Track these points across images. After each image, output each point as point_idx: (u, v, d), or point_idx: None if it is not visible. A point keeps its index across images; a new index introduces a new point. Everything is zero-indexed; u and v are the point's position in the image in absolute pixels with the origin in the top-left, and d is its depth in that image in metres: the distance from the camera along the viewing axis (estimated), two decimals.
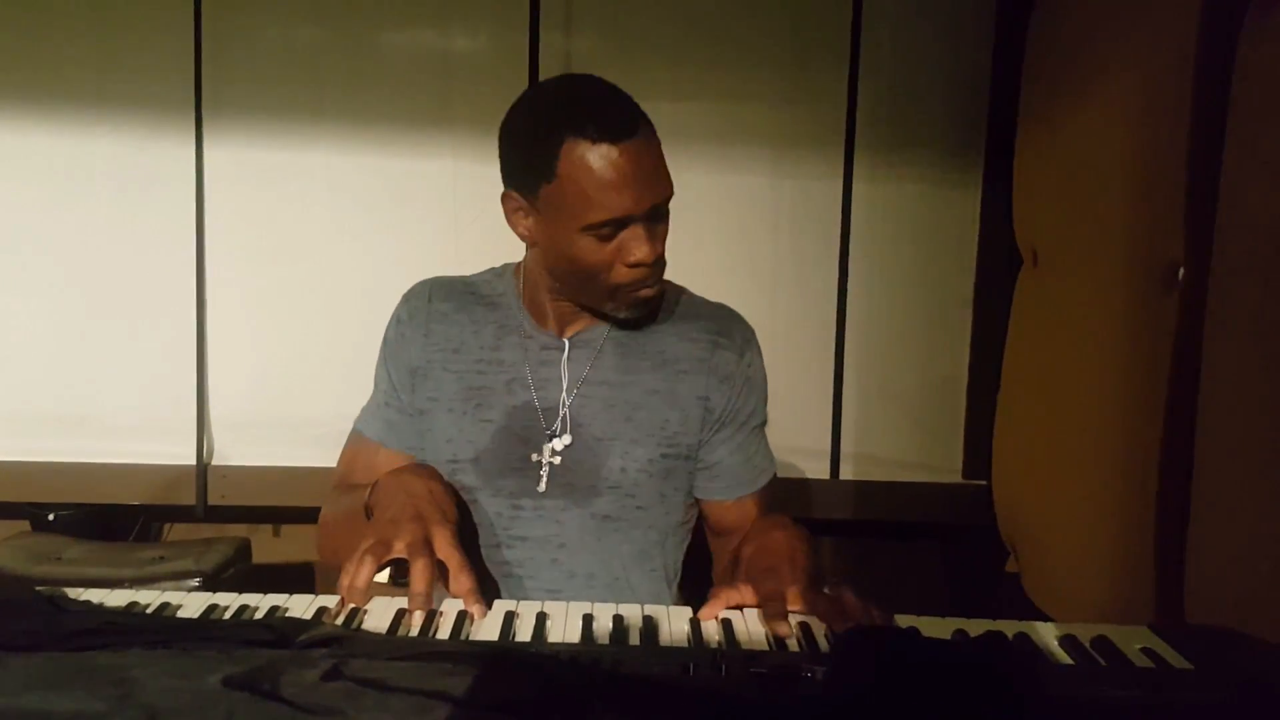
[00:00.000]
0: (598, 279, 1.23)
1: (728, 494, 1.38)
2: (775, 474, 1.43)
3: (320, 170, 2.41)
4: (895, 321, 2.48)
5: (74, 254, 2.40)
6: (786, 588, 1.06)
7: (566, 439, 1.32)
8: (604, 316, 1.33)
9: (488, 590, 1.08)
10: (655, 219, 1.21)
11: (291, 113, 2.39)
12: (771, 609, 1.03)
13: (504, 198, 1.26)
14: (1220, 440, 1.39)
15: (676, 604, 1.27)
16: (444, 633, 0.98)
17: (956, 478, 2.51)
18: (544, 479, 1.31)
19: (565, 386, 1.33)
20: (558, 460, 1.31)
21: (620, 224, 1.18)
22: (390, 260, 2.42)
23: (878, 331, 2.48)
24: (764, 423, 1.42)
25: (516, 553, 1.32)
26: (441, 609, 1.03)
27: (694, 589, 1.43)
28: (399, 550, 1.07)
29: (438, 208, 2.41)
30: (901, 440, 2.52)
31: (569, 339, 1.34)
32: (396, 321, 1.40)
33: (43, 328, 2.42)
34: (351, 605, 1.02)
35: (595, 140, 1.14)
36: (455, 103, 2.40)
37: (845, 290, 2.45)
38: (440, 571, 1.07)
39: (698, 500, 1.41)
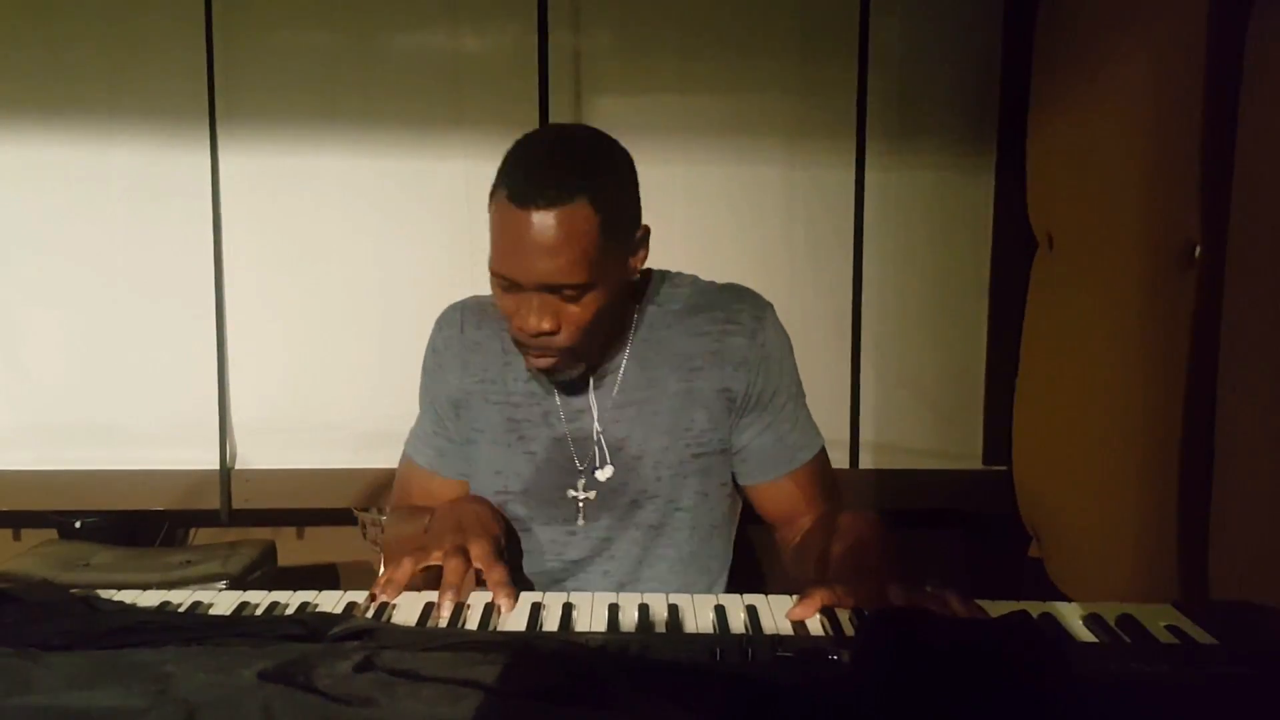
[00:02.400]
0: (509, 325, 1.23)
1: (761, 476, 1.36)
2: (824, 449, 1.39)
3: (334, 174, 2.42)
4: (911, 309, 2.48)
5: (92, 264, 2.43)
6: (887, 588, 1.01)
7: (608, 470, 1.31)
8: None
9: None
10: (555, 297, 1.16)
11: (304, 118, 2.40)
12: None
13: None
14: (1241, 418, 1.39)
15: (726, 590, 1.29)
16: (472, 624, 0.99)
17: (977, 464, 2.50)
18: (581, 514, 1.32)
19: (596, 416, 1.32)
20: (593, 494, 1.32)
21: (510, 284, 1.17)
22: (406, 261, 2.43)
23: (894, 320, 2.48)
24: (795, 397, 1.37)
25: (571, 574, 1.35)
26: (469, 602, 1.04)
27: (737, 578, 1.44)
28: (436, 557, 1.10)
29: (452, 208, 2.42)
30: (920, 428, 2.51)
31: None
32: (433, 351, 1.40)
33: (63, 338, 2.45)
34: (381, 600, 1.04)
35: (507, 199, 1.13)
36: (466, 103, 2.41)
37: (860, 279, 2.45)
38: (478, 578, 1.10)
39: (740, 488, 1.40)
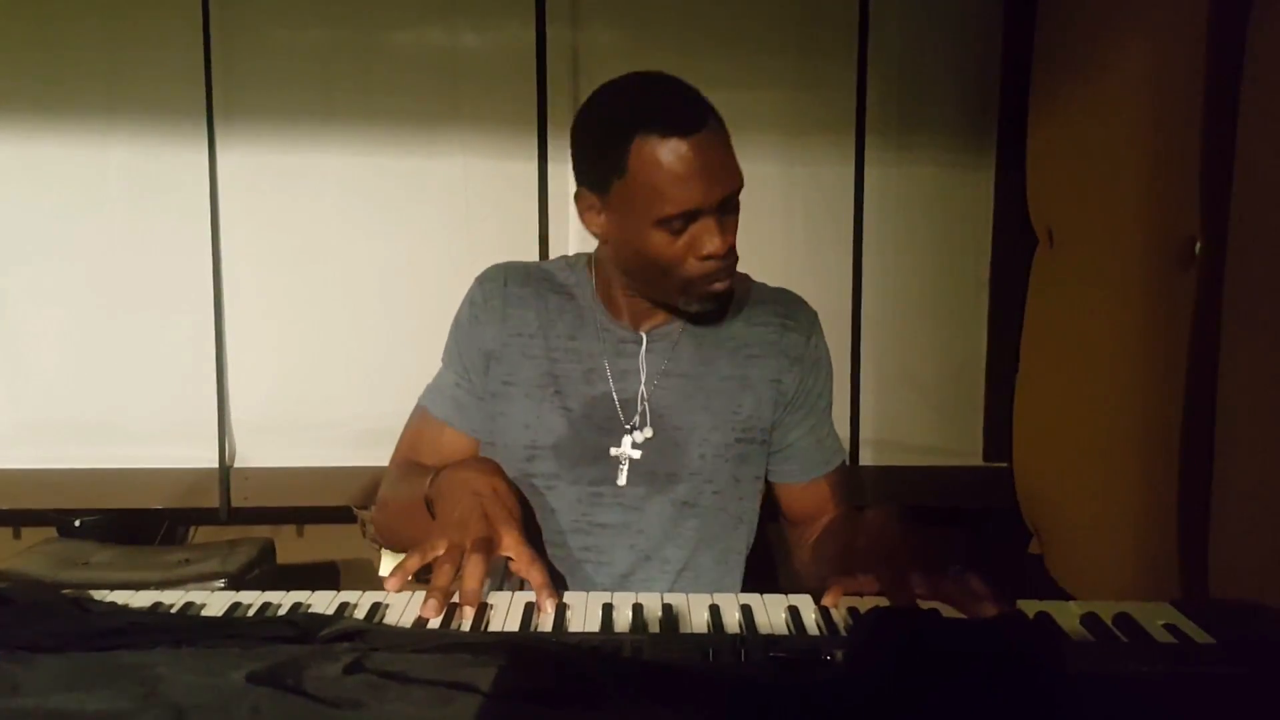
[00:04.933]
0: (670, 274, 1.23)
1: (802, 475, 1.40)
2: (845, 458, 1.44)
3: (332, 171, 2.42)
4: (911, 306, 2.47)
5: (91, 262, 2.42)
6: (910, 575, 1.04)
7: (648, 432, 1.32)
8: (678, 311, 1.33)
9: (555, 583, 1.08)
10: (726, 211, 1.21)
11: (302, 115, 2.40)
12: (897, 596, 1.02)
13: (576, 196, 1.28)
14: (1241, 414, 1.39)
15: (742, 590, 1.29)
16: (465, 624, 0.98)
17: (977, 461, 2.50)
18: (624, 472, 1.32)
19: (644, 379, 1.34)
20: (638, 454, 1.32)
21: (691, 217, 1.18)
22: (404, 258, 2.43)
23: (894, 317, 2.47)
24: (830, 406, 1.43)
25: (594, 538, 1.33)
26: (492, 602, 1.04)
27: (751, 578, 1.43)
28: (455, 551, 1.08)
29: (450, 205, 2.42)
30: (921, 425, 2.51)
31: (646, 333, 1.35)
32: (470, 304, 1.40)
33: (62, 336, 2.45)
34: (389, 588, 1.04)
35: (664, 135, 1.15)
36: (464, 100, 2.41)
37: (860, 276, 2.44)
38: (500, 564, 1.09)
39: (771, 485, 1.42)
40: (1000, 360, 2.42)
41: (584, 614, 1.00)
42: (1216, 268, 1.45)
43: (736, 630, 0.97)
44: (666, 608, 1.01)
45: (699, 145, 1.16)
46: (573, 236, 2.40)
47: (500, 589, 1.11)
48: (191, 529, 2.59)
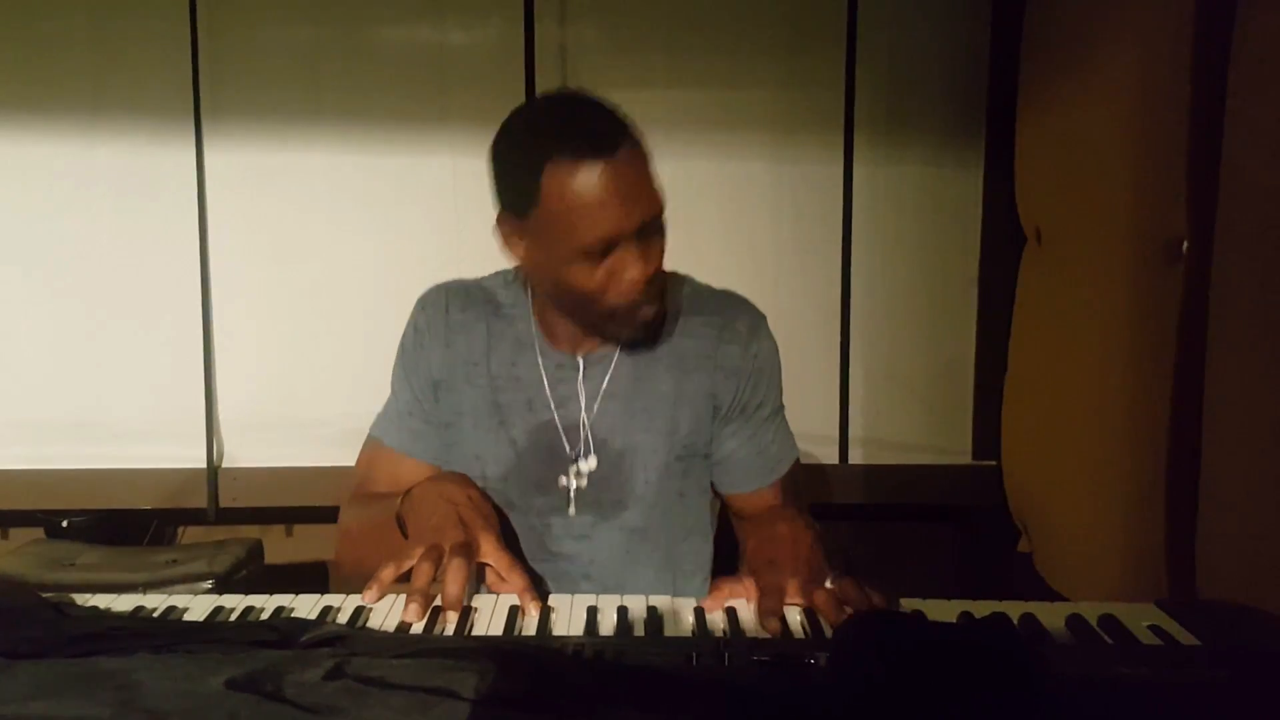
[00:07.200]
0: (594, 303, 1.17)
1: (743, 486, 1.36)
2: (798, 458, 1.40)
3: (320, 170, 2.41)
4: (900, 304, 2.47)
5: (79, 262, 2.41)
6: (786, 581, 1.03)
7: (592, 461, 1.29)
8: (610, 337, 1.28)
9: (539, 589, 1.08)
10: (646, 236, 1.15)
11: (289, 114, 2.39)
12: (767, 603, 1.01)
13: (497, 221, 1.22)
14: (1228, 412, 1.39)
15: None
16: (448, 629, 0.98)
17: (966, 459, 2.50)
18: (572, 502, 1.30)
19: (584, 405, 1.30)
20: (584, 483, 1.29)
21: (609, 245, 1.12)
22: (392, 258, 2.42)
23: (883, 315, 2.47)
24: (778, 410, 1.38)
25: (549, 568, 1.31)
26: (476, 605, 1.03)
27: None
28: (434, 554, 1.06)
29: (438, 204, 2.41)
30: (910, 423, 2.51)
31: (583, 357, 1.30)
32: (414, 330, 1.36)
33: (50, 336, 2.44)
34: (367, 599, 1.03)
35: (576, 159, 1.09)
36: (452, 98, 2.40)
37: (849, 275, 2.44)
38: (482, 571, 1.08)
39: (718, 494, 1.39)
40: (989, 358, 2.43)
41: (568, 617, 1.00)
42: (1203, 267, 1.45)
43: (721, 633, 0.97)
44: (651, 610, 1.01)
45: (613, 169, 1.09)
46: None
47: (480, 592, 1.10)
48: (179, 529, 2.57)
